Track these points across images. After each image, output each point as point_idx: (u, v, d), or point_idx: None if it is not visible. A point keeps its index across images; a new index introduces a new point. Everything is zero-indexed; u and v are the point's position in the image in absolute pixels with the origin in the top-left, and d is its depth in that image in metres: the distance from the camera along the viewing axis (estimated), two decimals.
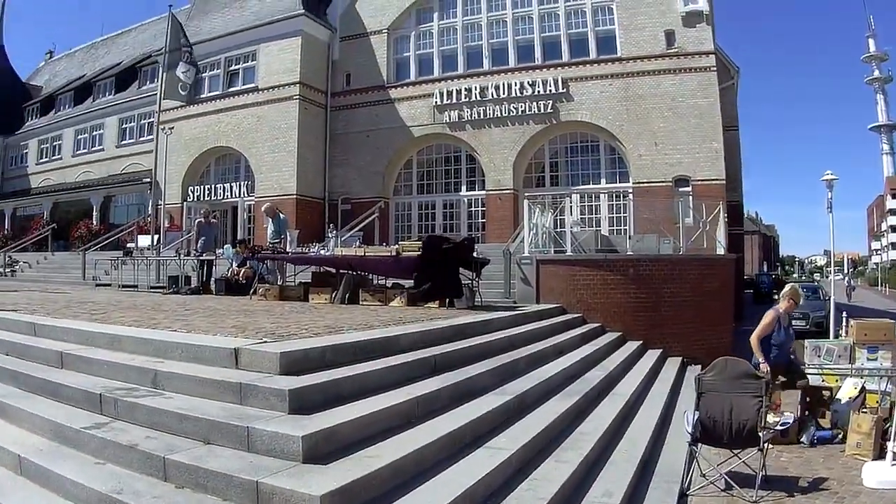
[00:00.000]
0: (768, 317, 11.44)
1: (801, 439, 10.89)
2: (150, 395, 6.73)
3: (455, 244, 15.59)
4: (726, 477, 8.40)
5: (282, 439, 5.59)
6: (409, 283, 16.86)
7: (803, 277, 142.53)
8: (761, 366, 10.89)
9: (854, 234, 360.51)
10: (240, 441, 5.74)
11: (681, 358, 17.71)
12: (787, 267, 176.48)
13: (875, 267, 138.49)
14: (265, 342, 7.84)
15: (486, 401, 8.10)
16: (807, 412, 11.41)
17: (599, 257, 19.00)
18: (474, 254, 16.72)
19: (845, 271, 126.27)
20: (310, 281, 18.80)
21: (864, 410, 10.56)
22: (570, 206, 22.36)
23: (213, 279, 21.82)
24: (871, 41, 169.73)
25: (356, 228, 30.45)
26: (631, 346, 16.66)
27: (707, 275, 19.61)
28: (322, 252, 19.18)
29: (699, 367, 17.34)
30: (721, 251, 21.29)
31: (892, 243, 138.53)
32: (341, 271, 17.66)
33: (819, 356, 12.80)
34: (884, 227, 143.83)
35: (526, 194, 24.56)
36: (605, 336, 16.64)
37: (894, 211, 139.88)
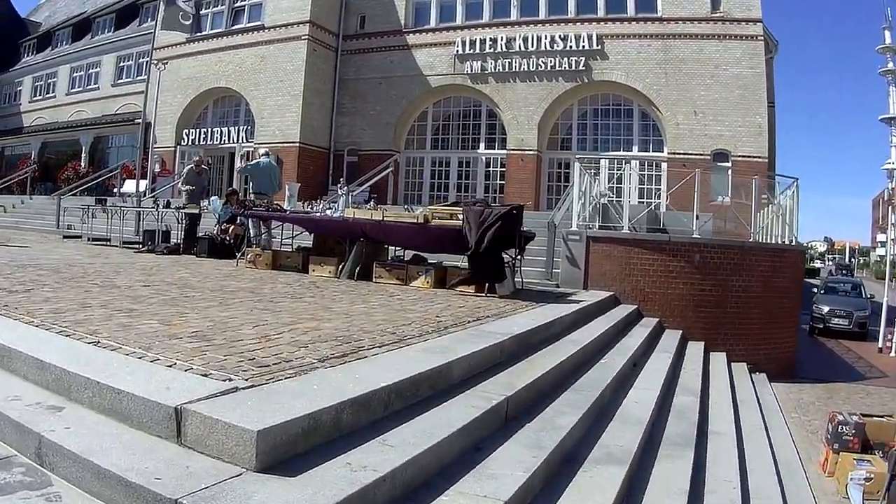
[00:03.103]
0: None
1: None
2: (24, 488, 3.58)
3: (502, 215, 12.09)
4: None
5: None
6: (431, 256, 14.21)
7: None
8: None
9: (855, 223, 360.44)
10: None
11: (744, 364, 15.15)
12: None
13: (879, 260, 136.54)
14: (234, 386, 4.44)
15: (594, 478, 5.19)
16: None
17: (662, 238, 15.87)
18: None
19: (847, 262, 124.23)
20: (310, 247, 15.73)
21: None
22: (630, 173, 19.47)
23: (196, 236, 18.83)
24: (886, 33, 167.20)
25: (368, 184, 27.57)
26: (695, 349, 13.92)
27: (778, 267, 16.74)
28: (328, 213, 15.62)
29: (763, 375, 15.18)
30: (792, 240, 18.36)
31: None
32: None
33: None
34: (892, 219, 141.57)
35: (577, 155, 21.79)
36: (668, 336, 13.79)
37: None
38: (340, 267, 13.77)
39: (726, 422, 9.40)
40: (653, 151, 29.50)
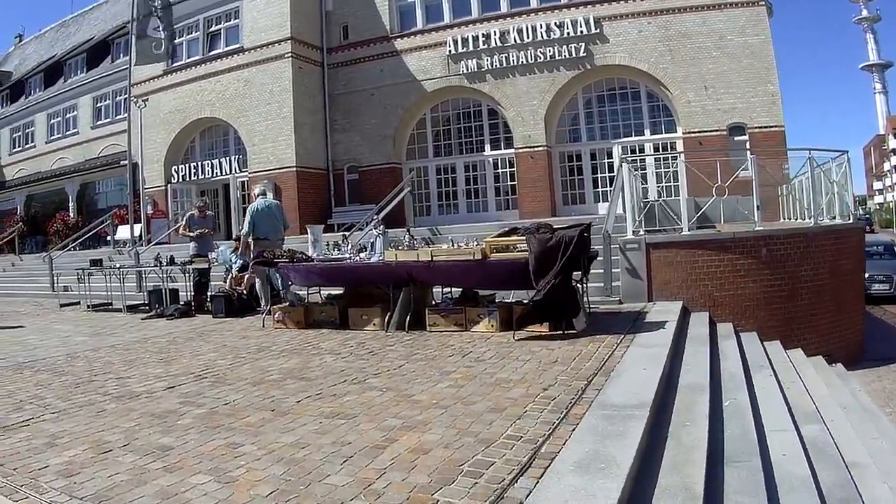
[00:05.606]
0: None
1: None
2: None
3: (575, 240, 10.28)
4: None
5: None
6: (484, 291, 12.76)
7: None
8: None
9: None
10: None
11: (821, 357, 13.83)
12: None
13: (879, 207, 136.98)
14: None
15: None
16: None
17: (726, 236, 14.45)
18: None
19: (866, 215, 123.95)
20: (341, 294, 14.04)
21: None
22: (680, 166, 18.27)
23: (208, 293, 17.12)
24: None
25: (387, 209, 25.00)
26: (779, 354, 12.60)
27: (841, 250, 15.59)
28: (362, 256, 13.44)
29: (840, 365, 14.00)
30: (850, 219, 17.32)
31: None
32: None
33: None
34: (886, 167, 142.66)
35: (622, 156, 20.45)
36: (749, 343, 12.39)
37: None
38: (387, 318, 12.05)
39: (855, 447, 8.20)
40: (666, 133, 28.21)
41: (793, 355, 12.98)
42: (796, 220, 18.44)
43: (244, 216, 16.60)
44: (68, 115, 43.44)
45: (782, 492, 5.66)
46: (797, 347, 13.69)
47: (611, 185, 25.08)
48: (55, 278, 24.70)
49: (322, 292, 15.23)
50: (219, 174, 32.76)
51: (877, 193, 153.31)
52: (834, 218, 16.88)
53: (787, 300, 14.21)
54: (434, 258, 11.83)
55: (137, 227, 29.85)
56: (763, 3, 26.41)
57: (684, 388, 7.75)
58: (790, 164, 21.32)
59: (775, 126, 25.75)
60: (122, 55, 39.72)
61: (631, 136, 28.63)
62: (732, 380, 9.06)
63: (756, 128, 25.78)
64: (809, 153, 16.47)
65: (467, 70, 29.71)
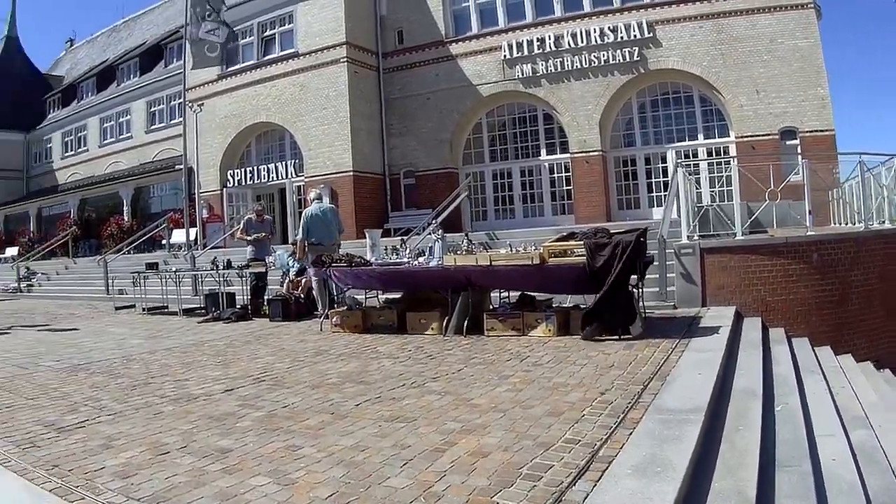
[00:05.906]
0: None
1: None
2: None
3: (632, 245, 10.50)
4: None
5: None
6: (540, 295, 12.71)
7: None
8: None
9: None
10: None
11: (869, 363, 13.85)
12: None
13: None
14: None
15: None
16: None
17: (778, 241, 14.43)
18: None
19: None
20: (399, 298, 14.14)
21: None
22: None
23: (265, 297, 17.32)
24: None
25: (443, 216, 25.44)
26: (829, 360, 12.65)
27: (891, 255, 15.50)
28: (421, 261, 13.50)
29: (888, 371, 13.96)
30: None
31: None
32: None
33: None
34: None
35: (678, 161, 20.61)
36: (800, 348, 12.50)
37: None
38: (445, 322, 12.18)
39: None
40: (719, 137, 28.17)
41: (842, 361, 13.04)
42: (846, 224, 18.47)
43: (300, 221, 16.79)
44: (121, 120, 44.08)
45: (831, 496, 5.77)
46: (847, 353, 13.67)
47: (665, 190, 25.22)
48: (110, 281, 25.05)
49: (379, 297, 15.24)
50: (275, 179, 33.12)
51: None
52: (883, 222, 16.82)
53: (838, 305, 14.21)
54: (493, 262, 11.97)
55: (193, 231, 30.12)
56: (812, 5, 26.36)
57: (738, 392, 7.91)
58: (840, 168, 21.24)
59: (826, 130, 25.67)
60: (175, 60, 40.20)
61: (685, 140, 28.60)
62: (784, 384, 9.22)
63: (807, 132, 25.69)
64: (860, 157, 16.51)
65: (522, 75, 29.86)
